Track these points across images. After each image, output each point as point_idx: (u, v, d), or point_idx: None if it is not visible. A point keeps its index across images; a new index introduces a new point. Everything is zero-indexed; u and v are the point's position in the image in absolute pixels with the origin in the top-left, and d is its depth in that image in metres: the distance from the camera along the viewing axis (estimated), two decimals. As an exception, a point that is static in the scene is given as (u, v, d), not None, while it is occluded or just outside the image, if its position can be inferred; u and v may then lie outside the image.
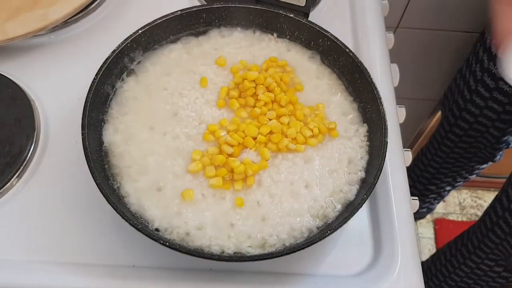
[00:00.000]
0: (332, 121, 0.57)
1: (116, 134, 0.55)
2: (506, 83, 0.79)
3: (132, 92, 0.58)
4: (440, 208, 1.66)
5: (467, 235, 1.05)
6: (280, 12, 0.61)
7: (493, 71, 0.82)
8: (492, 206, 0.94)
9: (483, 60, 0.84)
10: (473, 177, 1.16)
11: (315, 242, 0.46)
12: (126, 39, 0.57)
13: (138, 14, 0.71)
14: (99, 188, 0.47)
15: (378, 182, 0.50)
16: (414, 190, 1.27)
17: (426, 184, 1.23)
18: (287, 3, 0.62)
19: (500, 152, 1.00)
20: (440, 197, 1.29)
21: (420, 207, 1.34)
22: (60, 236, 0.53)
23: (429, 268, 1.22)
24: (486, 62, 0.83)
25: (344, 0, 0.74)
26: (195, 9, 0.61)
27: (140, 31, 0.58)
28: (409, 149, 0.64)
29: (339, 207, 0.52)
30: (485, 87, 0.85)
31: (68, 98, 0.62)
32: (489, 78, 0.83)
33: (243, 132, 0.54)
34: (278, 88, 0.58)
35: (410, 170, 1.26)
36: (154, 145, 0.54)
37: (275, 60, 0.61)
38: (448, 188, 1.24)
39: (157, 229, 0.49)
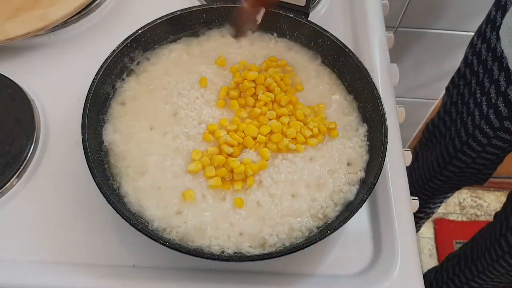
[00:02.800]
0: (332, 121, 0.57)
1: (116, 134, 0.55)
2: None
3: (132, 92, 0.58)
4: (440, 208, 1.65)
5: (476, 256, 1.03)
6: (280, 12, 0.61)
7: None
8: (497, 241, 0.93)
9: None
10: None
11: (315, 242, 0.46)
12: (126, 39, 0.57)
13: (138, 14, 0.71)
14: (99, 188, 0.47)
15: (378, 182, 0.50)
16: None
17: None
18: (287, 3, 0.62)
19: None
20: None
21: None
22: (60, 236, 0.53)
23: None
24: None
25: (344, 0, 0.74)
26: (195, 9, 0.61)
27: (140, 31, 0.58)
28: (409, 149, 0.64)
29: (339, 207, 0.52)
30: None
31: (68, 98, 0.61)
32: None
33: (243, 132, 0.54)
34: (278, 88, 0.58)
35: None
36: (154, 145, 0.54)
37: (274, 60, 0.61)
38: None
39: (156, 229, 0.49)
